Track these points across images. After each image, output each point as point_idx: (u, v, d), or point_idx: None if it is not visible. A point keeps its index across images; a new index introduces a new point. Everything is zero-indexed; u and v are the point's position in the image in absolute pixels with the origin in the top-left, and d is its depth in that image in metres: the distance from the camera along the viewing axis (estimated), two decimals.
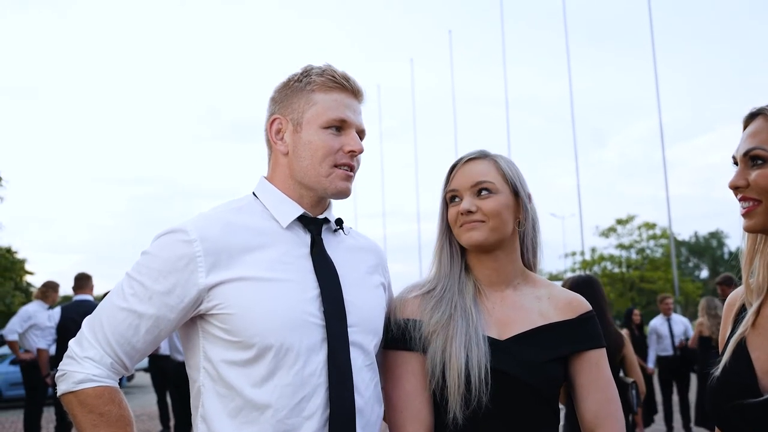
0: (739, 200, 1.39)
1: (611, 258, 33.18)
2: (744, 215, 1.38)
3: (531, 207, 1.79)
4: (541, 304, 1.74)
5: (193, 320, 1.55)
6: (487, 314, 1.71)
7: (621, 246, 33.09)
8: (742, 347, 1.38)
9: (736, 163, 1.42)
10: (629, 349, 4.08)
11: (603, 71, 61.30)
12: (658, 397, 9.44)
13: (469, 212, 1.69)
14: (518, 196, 1.76)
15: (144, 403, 12.98)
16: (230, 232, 1.55)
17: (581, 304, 1.77)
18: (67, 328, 6.92)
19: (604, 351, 1.74)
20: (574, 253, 33.40)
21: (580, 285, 4.10)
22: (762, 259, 1.45)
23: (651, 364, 9.14)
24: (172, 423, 8.72)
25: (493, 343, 1.65)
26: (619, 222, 32.76)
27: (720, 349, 1.53)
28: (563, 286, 4.28)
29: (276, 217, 1.62)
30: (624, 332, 5.47)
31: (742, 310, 1.49)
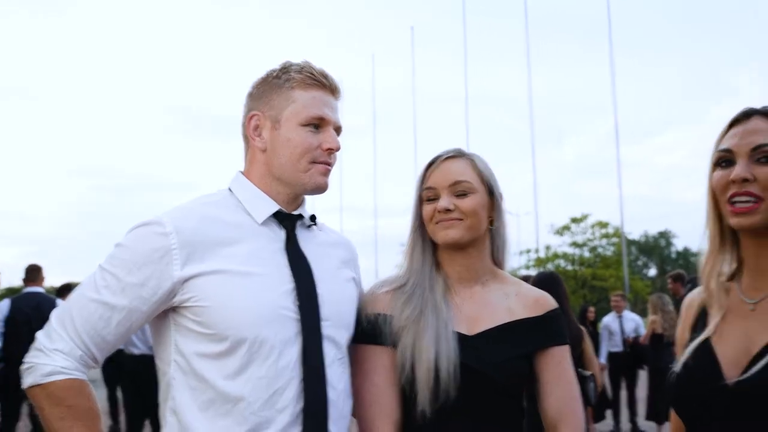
0: (737, 194, 1.37)
1: (565, 256, 33.80)
2: (743, 212, 1.37)
3: (503, 206, 1.83)
4: (509, 300, 1.78)
5: (166, 313, 1.55)
6: (457, 310, 1.74)
7: (575, 244, 33.73)
8: (706, 346, 1.42)
9: (726, 159, 1.42)
10: (588, 344, 4.21)
11: (563, 70, 62.32)
12: (609, 392, 9.67)
13: (447, 210, 1.71)
14: (493, 195, 1.80)
15: None
16: (206, 226, 1.56)
17: (548, 302, 1.81)
18: (16, 321, 6.77)
19: (568, 348, 1.80)
20: (528, 251, 33.88)
21: (544, 281, 4.21)
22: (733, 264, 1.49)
23: (603, 360, 9.36)
24: (122, 418, 8.59)
25: (462, 338, 1.68)
26: (574, 220, 33.38)
27: (678, 347, 1.58)
28: (528, 281, 4.40)
29: (251, 213, 1.63)
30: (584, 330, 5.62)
31: (701, 313, 1.53)
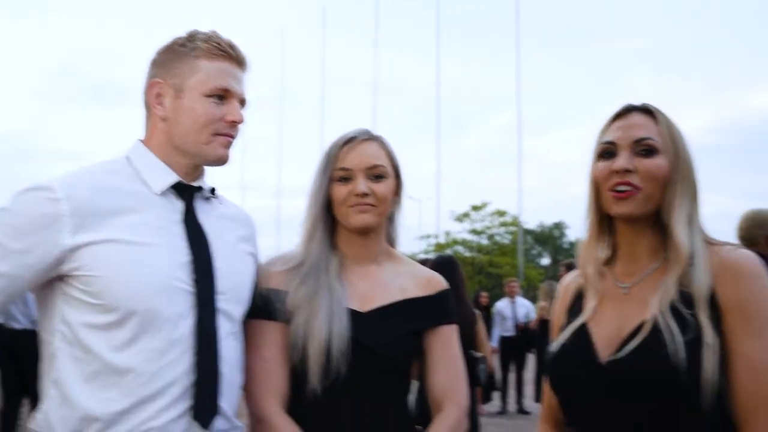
0: (618, 184, 1.45)
1: (464, 242, 34.61)
2: (622, 198, 1.45)
3: (403, 190, 1.87)
4: (402, 279, 1.81)
5: (52, 282, 1.50)
6: (351, 288, 1.76)
7: (474, 231, 34.58)
8: (582, 329, 1.50)
9: (609, 151, 1.50)
10: (481, 327, 4.36)
11: (471, 61, 63.49)
12: (498, 375, 10.06)
13: (365, 194, 1.72)
14: (398, 178, 1.84)
15: None
16: (100, 193, 1.51)
17: (439, 282, 1.86)
18: None
19: (456, 328, 1.85)
20: (429, 236, 34.54)
21: (442, 264, 4.30)
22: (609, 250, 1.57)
23: (494, 344, 9.70)
24: None
25: (354, 315, 1.70)
26: (474, 208, 34.14)
27: (555, 329, 1.65)
28: (426, 264, 4.50)
29: (148, 182, 1.60)
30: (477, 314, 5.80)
31: (576, 296, 1.62)
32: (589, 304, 1.53)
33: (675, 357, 1.32)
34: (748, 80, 78.80)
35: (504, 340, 9.89)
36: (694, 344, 1.34)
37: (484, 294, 10.72)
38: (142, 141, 1.67)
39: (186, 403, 1.50)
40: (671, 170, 1.46)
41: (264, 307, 1.73)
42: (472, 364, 4.23)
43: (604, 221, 1.55)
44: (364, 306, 1.74)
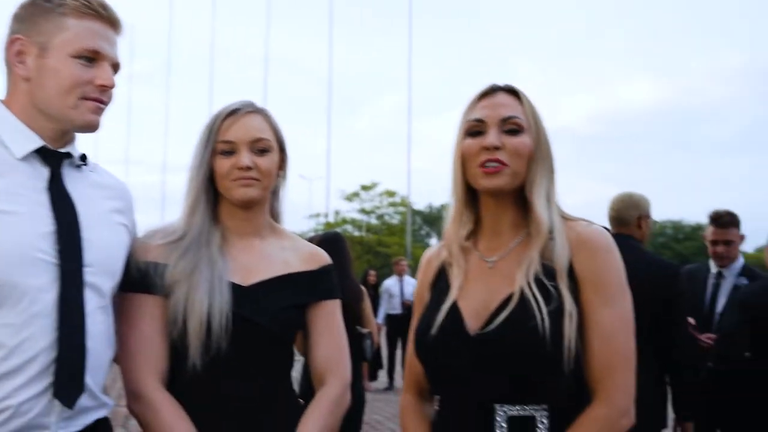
0: (487, 161, 1.50)
1: (353, 222, 34.82)
2: (491, 173, 1.49)
3: (288, 164, 1.86)
4: (285, 254, 1.81)
5: None
6: (233, 261, 1.73)
7: (363, 211, 34.80)
8: (451, 303, 1.53)
9: (477, 129, 1.54)
10: (367, 303, 4.39)
11: (364, 42, 63.54)
12: (384, 352, 10.25)
13: (248, 168, 1.70)
14: (283, 152, 1.83)
15: None
16: None
17: (322, 257, 1.87)
18: None
19: (338, 303, 1.86)
20: (318, 215, 34.53)
21: (329, 240, 4.30)
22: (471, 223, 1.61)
23: (380, 321, 9.86)
24: None
25: (236, 288, 1.68)
26: (364, 188, 34.33)
27: (417, 304, 1.68)
28: (314, 240, 4.48)
29: (9, 146, 1.49)
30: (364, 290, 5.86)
31: (440, 271, 1.64)
32: (456, 280, 1.56)
33: (542, 326, 1.39)
34: (623, 75, 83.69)
35: (391, 318, 10.07)
36: (557, 314, 1.42)
37: (372, 272, 10.87)
38: (2, 101, 1.55)
39: (47, 380, 1.43)
40: (534, 148, 1.53)
41: (142, 280, 1.67)
42: (358, 339, 4.26)
43: (468, 197, 1.60)
44: (246, 280, 1.72)
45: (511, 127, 1.52)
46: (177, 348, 1.66)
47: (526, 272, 1.47)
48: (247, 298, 1.69)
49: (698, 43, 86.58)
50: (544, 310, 1.41)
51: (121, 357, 1.66)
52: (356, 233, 34.51)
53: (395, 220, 35.43)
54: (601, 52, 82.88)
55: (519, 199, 1.55)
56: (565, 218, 1.56)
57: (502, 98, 1.56)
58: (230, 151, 1.71)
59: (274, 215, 1.89)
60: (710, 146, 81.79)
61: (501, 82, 1.60)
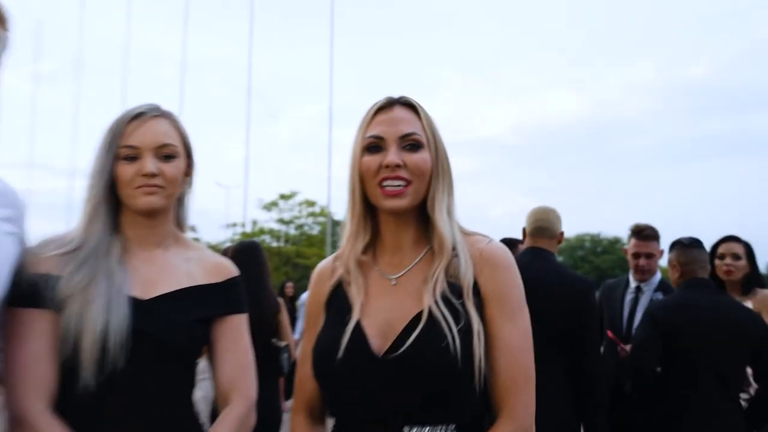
0: (389, 178, 1.49)
1: (271, 232, 34.48)
2: (396, 195, 1.49)
3: (195, 170, 1.82)
4: (189, 265, 1.76)
5: None
6: (133, 273, 1.66)
7: (282, 221, 34.57)
8: (354, 324, 1.48)
9: (375, 145, 1.52)
10: (284, 315, 4.31)
11: (286, 47, 63.11)
12: None
13: (153, 175, 1.65)
14: (190, 158, 1.78)
15: None
16: None
17: (229, 269, 1.82)
18: None
19: (245, 317, 1.81)
20: (235, 224, 33.96)
21: (245, 250, 4.23)
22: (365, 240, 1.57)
23: (297, 336, 9.71)
24: None
25: (136, 303, 1.61)
26: (282, 197, 34.14)
27: (310, 323, 1.61)
28: (229, 250, 4.36)
29: None
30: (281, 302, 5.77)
31: (335, 289, 1.59)
32: (357, 300, 1.52)
33: (453, 346, 1.38)
34: (546, 86, 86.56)
35: None
36: (467, 332, 1.41)
37: (289, 285, 10.73)
38: None
39: None
40: (434, 164, 1.53)
41: (31, 294, 1.55)
42: (275, 353, 4.19)
43: (366, 212, 1.58)
44: (147, 293, 1.65)
45: (410, 143, 1.52)
46: (68, 367, 1.55)
47: (433, 290, 1.46)
48: (147, 313, 1.61)
49: (613, 57, 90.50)
50: (454, 329, 1.40)
51: (5, 377, 1.54)
52: (274, 244, 34.18)
53: (315, 230, 35.31)
54: (525, 63, 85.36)
55: (420, 215, 1.55)
56: (465, 233, 1.57)
57: (400, 113, 1.55)
58: (134, 157, 1.66)
59: (179, 224, 1.83)
60: (627, 159, 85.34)
61: (396, 95, 1.59)
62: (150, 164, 1.65)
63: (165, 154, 1.68)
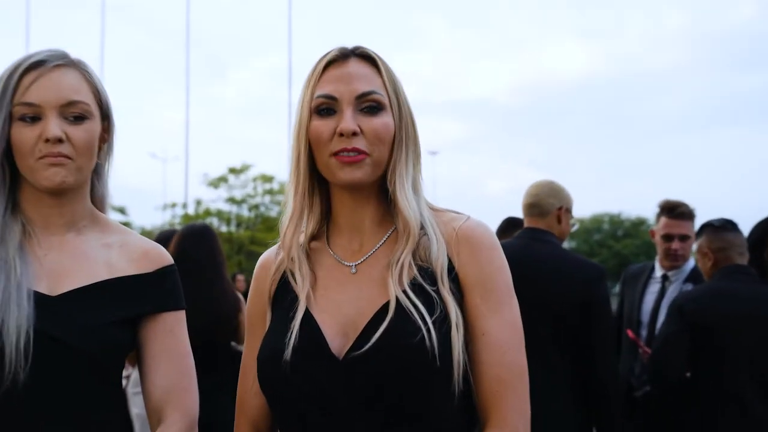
0: (344, 151, 1.49)
1: (219, 214, 34.28)
2: (350, 164, 1.49)
3: (115, 134, 1.79)
4: (110, 253, 1.73)
5: None
6: (38, 264, 1.64)
7: (232, 200, 34.34)
8: (305, 319, 1.49)
9: (327, 107, 1.52)
10: (244, 314, 4.32)
11: None
12: None
13: (59, 141, 1.59)
14: (108, 120, 1.76)
15: None
16: None
17: (161, 256, 1.79)
18: None
19: (182, 315, 1.78)
20: (174, 205, 33.76)
21: (195, 233, 4.23)
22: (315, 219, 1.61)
23: None
24: None
25: (41, 299, 1.58)
26: (232, 171, 33.83)
27: (255, 321, 1.65)
28: (174, 235, 4.36)
29: None
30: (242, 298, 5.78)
31: (281, 282, 1.61)
32: (303, 291, 1.53)
33: (428, 340, 1.39)
34: (550, 38, 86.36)
35: None
36: (442, 324, 1.42)
37: (240, 277, 10.76)
38: None
39: None
40: (396, 129, 1.54)
41: None
42: (234, 359, 4.16)
43: (314, 187, 1.59)
44: (56, 288, 1.63)
45: (369, 105, 1.52)
46: None
47: (399, 276, 1.47)
48: (53, 312, 1.59)
49: (637, 2, 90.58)
50: (429, 320, 1.41)
51: None
52: (223, 228, 34.00)
53: (273, 211, 35.13)
54: (525, 10, 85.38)
55: (380, 191, 1.57)
56: (433, 209, 1.59)
57: (356, 67, 1.55)
58: (34, 117, 1.60)
59: (98, 202, 1.80)
60: (651, 124, 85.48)
61: (351, 45, 1.59)
62: (54, 127, 1.58)
63: (74, 114, 1.62)
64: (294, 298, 1.54)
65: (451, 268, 1.50)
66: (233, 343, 4.24)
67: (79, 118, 1.64)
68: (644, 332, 4.04)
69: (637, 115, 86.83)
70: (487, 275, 1.51)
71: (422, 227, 1.53)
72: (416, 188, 1.57)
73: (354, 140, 1.49)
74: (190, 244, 4.18)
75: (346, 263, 1.57)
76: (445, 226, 1.55)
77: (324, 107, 1.53)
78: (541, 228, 3.47)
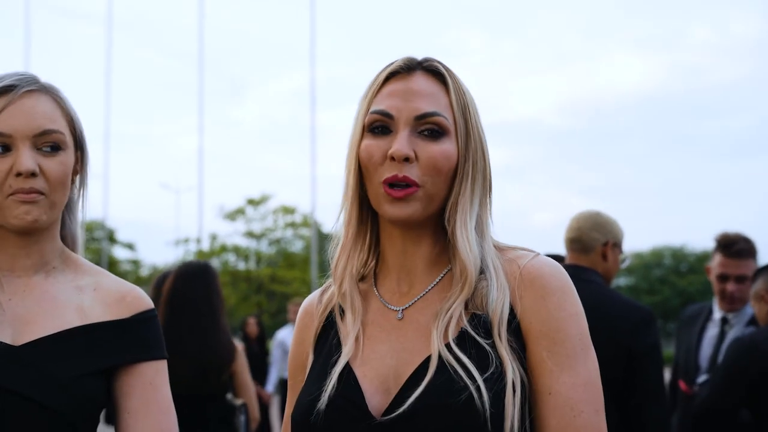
0: (395, 180, 1.43)
1: (237, 250, 34.62)
2: (400, 198, 1.43)
3: (88, 166, 1.80)
4: (82, 297, 1.73)
5: None
6: (0, 311, 1.64)
7: (251, 234, 34.68)
8: (345, 371, 1.45)
9: (381, 124, 1.47)
10: (241, 364, 4.32)
11: (249, 4, 63.47)
12: (277, 426, 10.12)
13: (32, 174, 1.60)
14: (82, 150, 1.76)
15: None
16: None
17: (139, 300, 1.78)
18: None
19: (164, 365, 1.77)
20: (187, 240, 34.12)
21: (193, 274, 4.29)
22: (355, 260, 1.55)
23: (271, 388, 9.74)
24: None
25: (2, 350, 1.59)
26: (251, 202, 34.24)
27: (295, 368, 1.62)
28: (168, 275, 4.36)
29: None
30: (239, 346, 5.80)
31: (327, 323, 1.59)
32: (351, 333, 1.50)
33: (479, 401, 1.32)
34: (604, 50, 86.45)
35: (285, 383, 9.93)
36: (496, 383, 1.35)
37: (252, 320, 10.80)
38: None
39: None
40: (460, 159, 1.48)
41: None
42: (229, 414, 4.21)
43: (366, 218, 1.55)
44: (20, 337, 1.62)
45: (429, 128, 1.46)
46: None
47: (446, 327, 1.41)
48: (17, 364, 1.58)
49: (702, 10, 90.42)
50: (479, 378, 1.34)
51: None
52: (241, 265, 34.29)
53: (296, 246, 35.40)
54: (573, 19, 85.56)
55: (437, 228, 1.52)
56: (500, 249, 1.54)
57: (421, 82, 1.49)
58: (4, 148, 1.61)
59: (69, 241, 1.81)
60: (718, 146, 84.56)
61: (420, 56, 1.54)
62: (27, 159, 1.60)
63: (48, 145, 1.64)
64: (337, 344, 1.51)
65: (512, 317, 1.43)
66: (229, 396, 4.25)
67: (54, 149, 1.65)
68: (701, 380, 3.95)
69: (702, 134, 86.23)
70: (555, 324, 1.43)
71: (482, 271, 1.46)
72: (481, 229, 1.51)
73: (405, 167, 1.43)
74: (186, 284, 4.26)
75: (392, 307, 1.52)
76: (509, 265, 1.48)
77: (378, 125, 1.47)
78: (584, 266, 3.42)
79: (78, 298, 1.72)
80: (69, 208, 1.80)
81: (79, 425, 1.63)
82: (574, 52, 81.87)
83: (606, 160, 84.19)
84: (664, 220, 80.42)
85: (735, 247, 3.95)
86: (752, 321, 3.91)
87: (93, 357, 1.66)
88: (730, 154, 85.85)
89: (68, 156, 1.68)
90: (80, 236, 1.84)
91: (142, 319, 1.76)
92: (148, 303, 1.78)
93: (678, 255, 54.14)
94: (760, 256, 4.02)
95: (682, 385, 3.94)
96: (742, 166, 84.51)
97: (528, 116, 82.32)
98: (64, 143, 1.67)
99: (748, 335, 3.44)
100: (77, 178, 1.78)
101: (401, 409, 1.36)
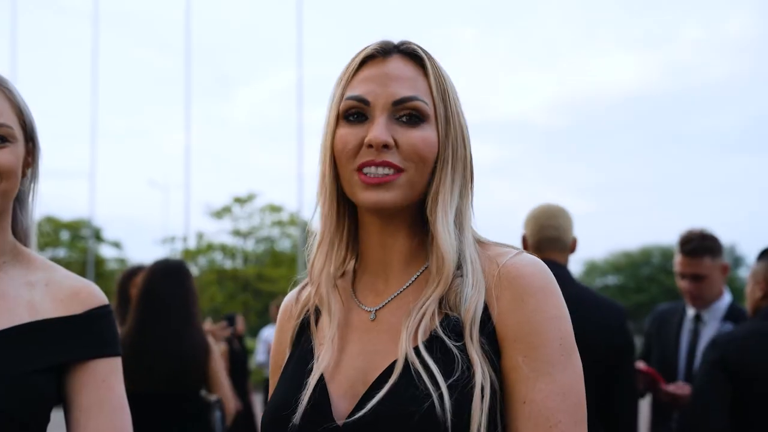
0: (371, 164, 1.38)
1: (223, 248, 34.53)
2: (376, 184, 1.38)
3: (40, 159, 1.81)
4: (34, 292, 1.73)
5: None
6: None
7: (237, 233, 34.60)
8: (314, 373, 1.41)
9: (357, 111, 1.43)
10: (215, 361, 4.32)
11: (236, 2, 63.34)
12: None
13: None
14: (33, 142, 1.77)
15: None
16: None
17: (93, 296, 1.77)
18: None
19: (118, 363, 1.77)
20: (174, 238, 34.01)
21: (168, 271, 4.29)
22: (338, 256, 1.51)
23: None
24: None
25: None
26: (238, 201, 34.16)
27: (273, 370, 1.61)
28: (138, 272, 4.35)
29: None
30: (221, 346, 5.78)
31: (303, 323, 1.55)
32: (326, 340, 1.44)
33: (439, 408, 1.25)
34: (597, 48, 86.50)
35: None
36: (463, 388, 1.29)
37: (240, 318, 10.76)
38: None
39: None
40: (441, 145, 1.43)
41: None
42: (204, 410, 4.21)
43: (342, 211, 1.49)
44: None
45: (408, 113, 1.40)
46: None
47: (415, 329, 1.35)
48: None
49: (694, 8, 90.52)
50: (442, 383, 1.27)
51: None
52: (228, 264, 34.20)
53: (283, 245, 35.33)
54: (566, 16, 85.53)
55: (415, 220, 1.46)
56: (482, 244, 1.48)
57: (398, 66, 1.43)
58: None
59: (21, 235, 1.81)
60: (710, 143, 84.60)
61: (397, 39, 1.48)
62: None
63: None
64: (311, 348, 1.47)
65: (487, 318, 1.36)
66: (203, 393, 4.26)
67: (2, 141, 1.65)
68: (681, 379, 3.95)
69: (693, 133, 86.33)
70: (532, 327, 1.34)
71: (459, 266, 1.40)
72: (461, 221, 1.45)
73: (385, 153, 1.38)
74: (160, 282, 4.25)
75: (366, 308, 1.48)
76: (489, 263, 1.41)
77: (354, 111, 1.42)
78: (558, 261, 3.38)
79: (29, 294, 1.72)
80: (20, 202, 1.80)
81: (28, 424, 1.63)
82: (567, 49, 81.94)
83: (597, 158, 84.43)
84: (654, 218, 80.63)
85: (689, 245, 3.96)
86: (728, 316, 3.92)
87: (43, 353, 1.66)
88: (721, 152, 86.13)
89: (17, 148, 1.69)
90: (33, 230, 1.84)
91: (95, 315, 1.75)
92: (102, 299, 1.78)
93: (667, 253, 53.99)
94: (753, 253, 4.01)
95: (641, 366, 3.86)
96: (732, 165, 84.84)
97: (518, 114, 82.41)
98: (12, 136, 1.68)
99: (708, 346, 3.43)
100: (29, 171, 1.78)
101: (359, 414, 1.31)
